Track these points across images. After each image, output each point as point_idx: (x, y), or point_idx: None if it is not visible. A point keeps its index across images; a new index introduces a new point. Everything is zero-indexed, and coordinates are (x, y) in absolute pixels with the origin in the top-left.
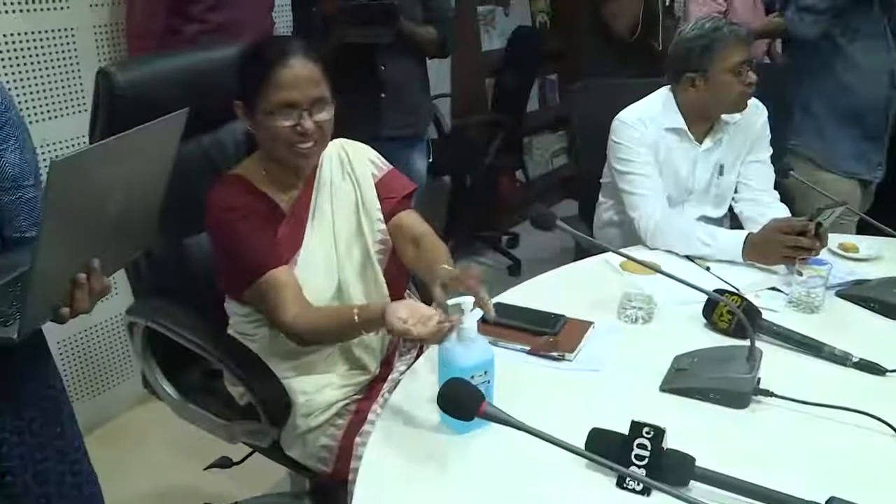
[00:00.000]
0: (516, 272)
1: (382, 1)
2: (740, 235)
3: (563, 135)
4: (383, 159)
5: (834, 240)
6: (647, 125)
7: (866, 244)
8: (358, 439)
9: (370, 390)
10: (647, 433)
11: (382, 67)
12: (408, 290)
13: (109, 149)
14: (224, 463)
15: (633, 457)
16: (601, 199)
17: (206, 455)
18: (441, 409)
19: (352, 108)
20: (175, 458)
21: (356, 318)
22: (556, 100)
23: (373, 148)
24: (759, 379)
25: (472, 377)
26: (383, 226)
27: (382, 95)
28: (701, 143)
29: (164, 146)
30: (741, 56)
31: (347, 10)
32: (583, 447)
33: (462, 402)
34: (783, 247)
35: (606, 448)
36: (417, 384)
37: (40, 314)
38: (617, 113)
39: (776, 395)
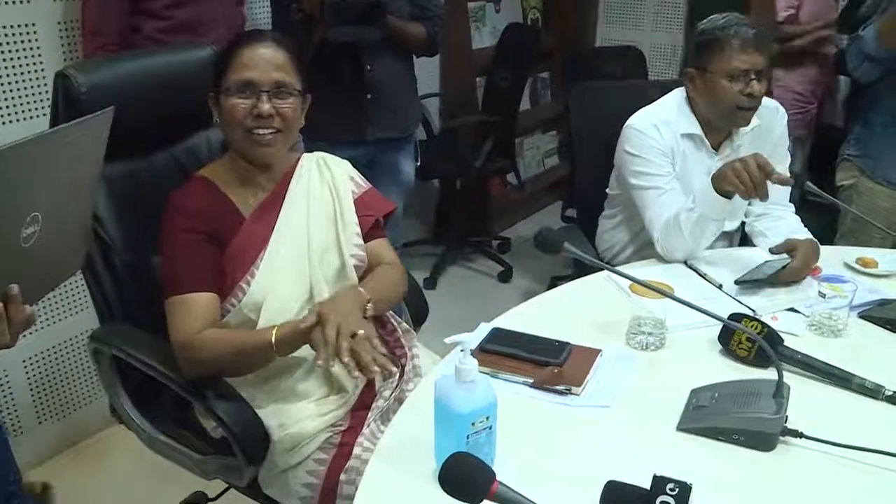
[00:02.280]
0: (507, 278)
1: None
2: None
3: (556, 135)
4: (362, 177)
5: (851, 254)
6: (660, 130)
7: (887, 259)
8: (343, 476)
9: (352, 419)
10: (672, 490)
11: (368, 67)
12: (393, 317)
13: (13, 156)
14: (199, 499)
15: None
16: (606, 210)
17: (182, 483)
18: (443, 489)
19: (336, 109)
20: (149, 484)
21: (273, 333)
22: (549, 99)
23: (359, 150)
24: (786, 417)
25: (473, 424)
26: (360, 241)
27: (368, 96)
28: (718, 150)
29: (88, 150)
30: (743, 63)
31: (331, 7)
32: (598, 500)
33: (469, 483)
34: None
35: None
36: (412, 424)
37: None
38: (617, 115)
39: (806, 436)
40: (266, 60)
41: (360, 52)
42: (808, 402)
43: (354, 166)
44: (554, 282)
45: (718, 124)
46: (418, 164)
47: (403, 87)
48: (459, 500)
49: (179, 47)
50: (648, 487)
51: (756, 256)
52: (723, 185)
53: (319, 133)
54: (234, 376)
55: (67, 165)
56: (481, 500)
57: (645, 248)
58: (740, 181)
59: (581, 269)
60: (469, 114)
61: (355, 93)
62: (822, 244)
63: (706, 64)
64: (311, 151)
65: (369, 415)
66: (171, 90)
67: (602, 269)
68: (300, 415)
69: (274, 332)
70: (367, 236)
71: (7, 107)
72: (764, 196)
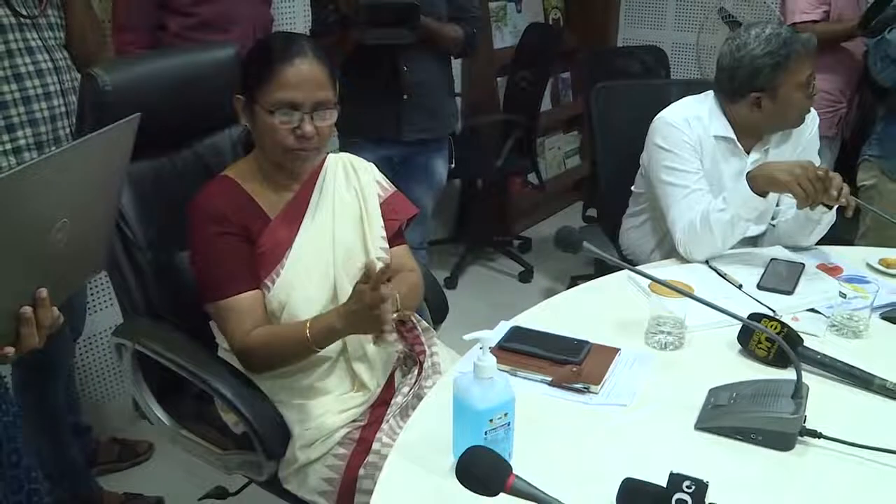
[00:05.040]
0: (528, 278)
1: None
2: (742, 182)
3: (577, 135)
4: (387, 180)
5: (874, 255)
6: (691, 125)
7: None
8: (362, 471)
9: (371, 415)
10: (688, 487)
11: (405, 68)
12: (413, 315)
13: (49, 165)
14: (219, 493)
15: None
16: (631, 209)
17: (204, 477)
18: (460, 482)
19: (372, 109)
20: (172, 479)
21: (307, 329)
22: (570, 98)
23: (394, 150)
24: (805, 417)
25: (491, 420)
26: (386, 244)
27: (405, 97)
28: (749, 153)
29: (115, 156)
30: (811, 68)
31: (366, 9)
32: (615, 498)
33: (485, 476)
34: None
35: (641, 502)
36: (430, 420)
37: None
38: (639, 114)
39: (825, 437)
40: (308, 79)
41: (396, 53)
42: (828, 402)
43: (389, 165)
44: (574, 281)
45: (775, 132)
46: (452, 165)
47: (440, 88)
48: (476, 492)
49: (203, 47)
50: (665, 485)
51: (776, 255)
52: (773, 188)
53: (355, 131)
54: (287, 366)
55: (95, 172)
56: (497, 493)
57: (674, 253)
58: (804, 190)
59: (602, 269)
60: (490, 114)
61: (392, 93)
62: (842, 244)
63: (776, 82)
64: (347, 148)
65: (388, 411)
66: (194, 89)
67: (622, 269)
68: (320, 410)
69: (307, 328)
70: (390, 242)
71: None
72: (833, 200)
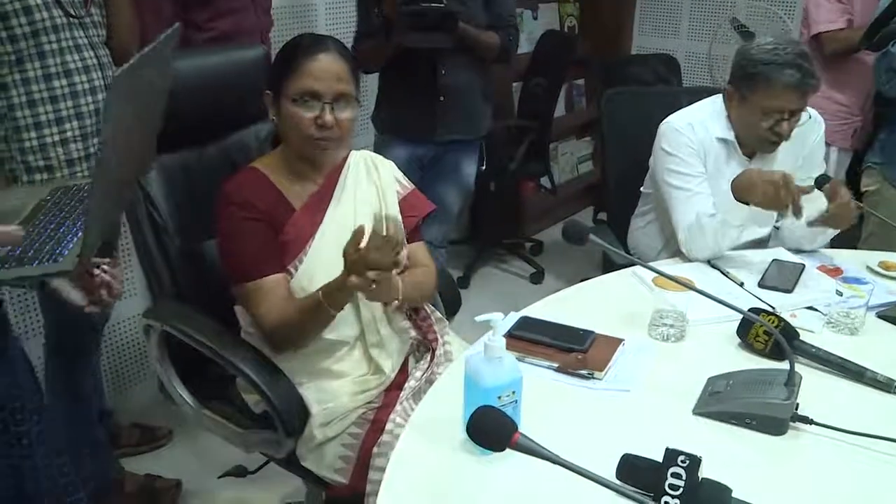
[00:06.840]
0: (539, 280)
1: (442, 6)
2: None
3: (590, 141)
4: (406, 178)
5: (874, 258)
6: (695, 129)
7: None
8: (376, 449)
9: (386, 398)
10: (682, 462)
11: (443, 72)
12: (427, 305)
13: (149, 57)
14: (239, 472)
15: (666, 486)
16: (639, 208)
17: (221, 462)
18: (470, 438)
19: (410, 109)
20: (190, 463)
21: (320, 293)
22: (583, 105)
23: (426, 148)
24: (797, 404)
25: (500, 397)
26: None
27: (441, 99)
28: (751, 158)
29: (168, 61)
30: (780, 103)
31: (407, 14)
32: (614, 472)
33: (493, 432)
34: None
35: (638, 475)
36: (442, 402)
37: (97, 238)
38: (648, 120)
39: (816, 423)
40: (330, 72)
41: (435, 57)
42: (821, 392)
43: (420, 163)
44: None
45: (750, 140)
46: (483, 167)
47: (475, 92)
48: (485, 448)
49: (234, 47)
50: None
51: (779, 256)
52: (749, 197)
53: (392, 129)
54: (310, 342)
55: (158, 72)
56: (503, 448)
57: (680, 253)
58: (765, 194)
59: (610, 271)
60: (505, 118)
61: (428, 95)
62: (845, 248)
63: (747, 91)
64: (382, 144)
65: (402, 394)
66: (224, 87)
67: (628, 266)
68: (338, 391)
69: (320, 293)
70: (407, 238)
71: None
72: (798, 212)
